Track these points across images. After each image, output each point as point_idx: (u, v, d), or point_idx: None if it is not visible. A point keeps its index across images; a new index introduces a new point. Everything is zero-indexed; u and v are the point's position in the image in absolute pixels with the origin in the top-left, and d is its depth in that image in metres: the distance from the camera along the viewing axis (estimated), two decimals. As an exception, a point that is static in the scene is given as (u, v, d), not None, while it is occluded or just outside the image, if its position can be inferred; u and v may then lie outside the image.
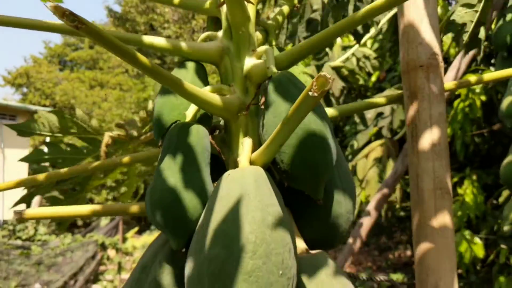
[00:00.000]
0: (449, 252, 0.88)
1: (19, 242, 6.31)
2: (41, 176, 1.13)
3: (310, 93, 0.61)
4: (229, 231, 0.71)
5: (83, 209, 0.99)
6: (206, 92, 0.86)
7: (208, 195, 0.82)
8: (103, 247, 5.37)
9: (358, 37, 2.58)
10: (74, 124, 1.58)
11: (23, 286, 4.69)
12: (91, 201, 16.23)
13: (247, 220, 0.71)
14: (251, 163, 0.82)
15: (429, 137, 0.93)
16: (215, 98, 0.88)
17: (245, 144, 0.84)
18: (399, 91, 1.08)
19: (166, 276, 0.84)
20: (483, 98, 3.97)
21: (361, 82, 3.56)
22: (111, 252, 6.97)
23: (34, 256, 5.13)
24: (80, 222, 15.33)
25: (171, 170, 0.82)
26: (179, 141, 0.85)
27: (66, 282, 4.79)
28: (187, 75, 0.96)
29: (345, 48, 3.59)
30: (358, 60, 3.24)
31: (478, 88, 4.07)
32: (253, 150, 0.84)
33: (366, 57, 3.27)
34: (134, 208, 0.98)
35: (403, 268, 7.69)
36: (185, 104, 0.92)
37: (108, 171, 1.78)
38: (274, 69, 0.88)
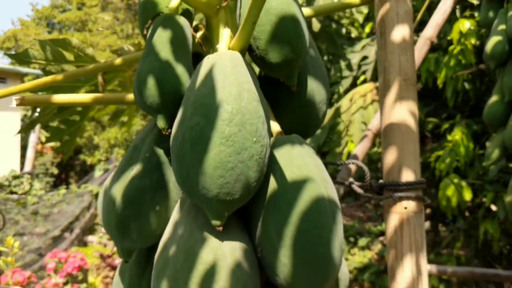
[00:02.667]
0: (412, 136, 0.93)
1: (15, 196, 6.40)
2: (57, 77, 1.14)
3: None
4: (207, 102, 0.75)
5: (82, 97, 1.04)
6: (187, -14, 0.89)
7: (190, 77, 0.87)
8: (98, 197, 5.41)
9: None
10: (70, 53, 1.60)
11: (20, 235, 4.82)
12: (84, 162, 16.34)
13: (224, 93, 0.76)
14: (229, 49, 0.85)
15: (396, 33, 0.98)
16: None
17: (224, 34, 0.88)
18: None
19: (156, 151, 0.89)
20: (473, 41, 3.98)
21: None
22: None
23: (31, 207, 5.23)
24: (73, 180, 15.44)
25: (155, 55, 0.85)
26: (163, 29, 0.89)
27: (63, 231, 4.91)
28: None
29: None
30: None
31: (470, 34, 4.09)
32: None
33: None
34: (130, 97, 1.04)
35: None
36: (169, 0, 0.96)
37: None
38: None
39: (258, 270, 0.85)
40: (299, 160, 0.84)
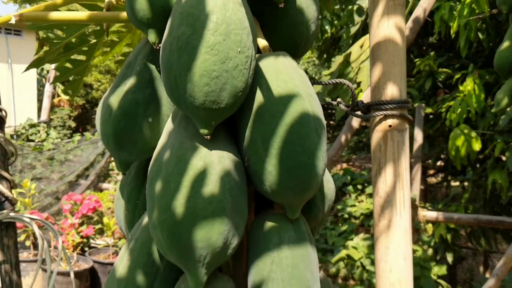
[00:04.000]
0: (399, 55, 0.95)
1: (32, 143, 6.56)
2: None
3: None
4: (194, 12, 0.79)
5: (78, 15, 1.08)
6: None
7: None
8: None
9: None
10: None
11: (37, 179, 4.99)
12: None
13: (210, 4, 0.79)
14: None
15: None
16: None
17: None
18: None
19: (148, 66, 0.94)
20: (487, -13, 3.88)
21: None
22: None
23: (46, 152, 5.39)
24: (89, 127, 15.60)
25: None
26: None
27: (78, 177, 5.07)
28: None
29: None
30: None
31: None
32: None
33: None
34: (124, 14, 1.08)
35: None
36: None
37: (114, 44, 1.85)
38: None
39: (245, 179, 0.90)
40: (285, 75, 0.88)
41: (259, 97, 0.87)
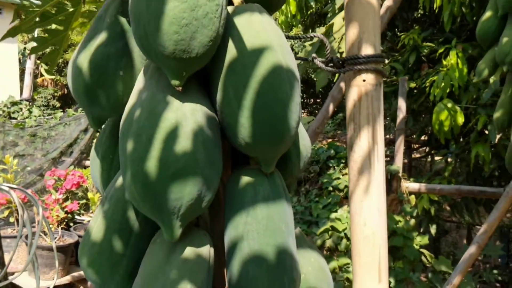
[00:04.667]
0: (373, 10, 0.95)
1: (13, 121, 6.48)
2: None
3: None
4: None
5: None
6: None
7: None
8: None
9: None
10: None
11: (20, 156, 4.94)
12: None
13: None
14: None
15: None
16: None
17: None
18: None
19: (119, 20, 0.92)
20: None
21: None
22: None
23: (29, 129, 5.33)
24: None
25: None
26: None
27: (62, 153, 5.03)
28: None
29: None
30: None
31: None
32: None
33: None
34: None
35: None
36: None
37: (91, 15, 1.82)
38: None
39: (219, 132, 0.90)
40: (257, 26, 0.87)
41: (231, 49, 0.86)
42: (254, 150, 0.89)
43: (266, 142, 0.86)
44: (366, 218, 1.01)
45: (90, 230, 0.97)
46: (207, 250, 0.93)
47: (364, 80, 0.98)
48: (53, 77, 16.72)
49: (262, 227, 0.90)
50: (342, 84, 3.18)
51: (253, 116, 0.84)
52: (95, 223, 0.97)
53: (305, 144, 1.06)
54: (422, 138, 6.80)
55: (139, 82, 0.90)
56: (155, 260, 0.89)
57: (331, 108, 3.28)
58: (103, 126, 1.05)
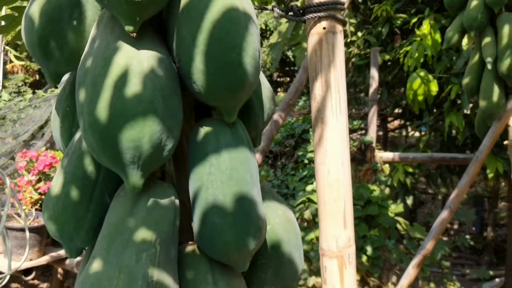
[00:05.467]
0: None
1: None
2: None
3: None
4: None
5: None
6: None
7: None
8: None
9: None
10: None
11: (-10, 140, 4.85)
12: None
13: None
14: None
15: None
16: None
17: None
18: None
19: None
20: None
21: None
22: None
23: (-2, 112, 5.23)
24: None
25: None
26: None
27: (34, 135, 4.94)
28: None
29: None
30: None
31: None
32: None
33: None
34: None
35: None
36: None
37: None
38: None
39: (177, 81, 0.88)
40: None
41: (186, -6, 0.84)
42: (214, 98, 0.88)
43: (225, 89, 0.86)
44: (330, 166, 1.02)
45: (53, 187, 0.96)
46: (171, 202, 0.92)
47: (324, 28, 0.98)
48: (23, 63, 16.28)
49: (226, 177, 0.90)
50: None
51: (210, 63, 0.83)
52: (57, 179, 0.96)
53: (269, 96, 1.05)
54: (397, 111, 6.87)
55: (94, 32, 0.87)
56: (119, 212, 0.88)
57: (304, 79, 3.28)
58: (63, 84, 1.03)
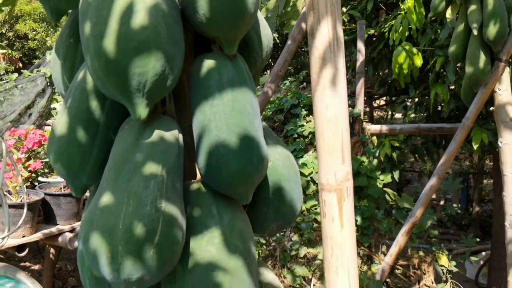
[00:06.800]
0: None
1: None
2: None
3: None
4: None
5: None
6: None
7: None
8: (52, 80, 5.29)
9: None
10: None
11: (-24, 119, 4.80)
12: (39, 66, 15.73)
13: None
14: None
15: None
16: None
17: None
18: None
19: None
20: None
21: None
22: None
23: (-17, 93, 5.16)
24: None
25: None
26: None
27: (20, 115, 4.90)
28: None
29: None
30: None
31: None
32: None
33: None
34: None
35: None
36: None
37: None
38: None
39: (178, 10, 0.90)
40: None
41: None
42: (216, 27, 0.89)
43: (227, 17, 0.87)
44: (328, 102, 1.04)
45: (56, 126, 0.97)
46: (176, 134, 0.94)
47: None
48: (4, 51, 16.04)
49: (229, 108, 0.92)
50: (303, 25, 3.19)
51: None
52: (60, 118, 0.97)
53: (267, 33, 1.07)
54: (382, 92, 6.91)
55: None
56: (125, 144, 0.90)
57: (293, 49, 3.30)
58: (64, 24, 1.04)
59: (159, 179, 0.87)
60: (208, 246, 0.92)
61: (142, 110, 0.86)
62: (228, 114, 0.92)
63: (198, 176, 1.06)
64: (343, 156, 1.06)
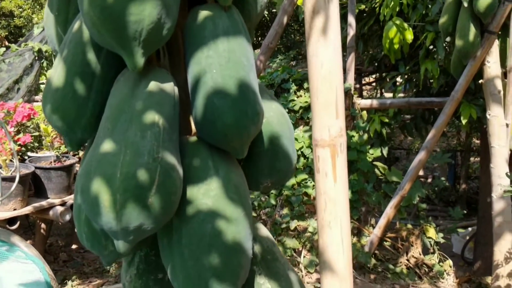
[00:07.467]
0: None
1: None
2: None
3: None
4: None
5: None
6: None
7: None
8: (40, 55, 5.24)
9: None
10: None
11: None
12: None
13: None
14: None
15: None
16: None
17: None
18: None
19: None
20: None
21: None
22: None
23: (-30, 67, 5.08)
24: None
25: None
26: None
27: (8, 90, 4.84)
28: None
29: None
30: None
31: None
32: None
33: None
34: None
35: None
36: None
37: None
38: None
39: None
40: None
41: None
42: None
43: None
44: (323, 59, 1.05)
45: (52, 77, 0.96)
46: (171, 86, 0.94)
47: None
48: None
49: (224, 59, 0.92)
50: (294, -3, 3.18)
51: None
52: (55, 70, 0.96)
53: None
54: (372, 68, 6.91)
55: None
56: (121, 94, 0.90)
57: (284, 21, 3.29)
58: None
59: (156, 129, 0.87)
60: (204, 199, 0.93)
61: (138, 59, 0.86)
62: (224, 66, 0.92)
63: (194, 131, 1.07)
64: (337, 112, 1.07)
